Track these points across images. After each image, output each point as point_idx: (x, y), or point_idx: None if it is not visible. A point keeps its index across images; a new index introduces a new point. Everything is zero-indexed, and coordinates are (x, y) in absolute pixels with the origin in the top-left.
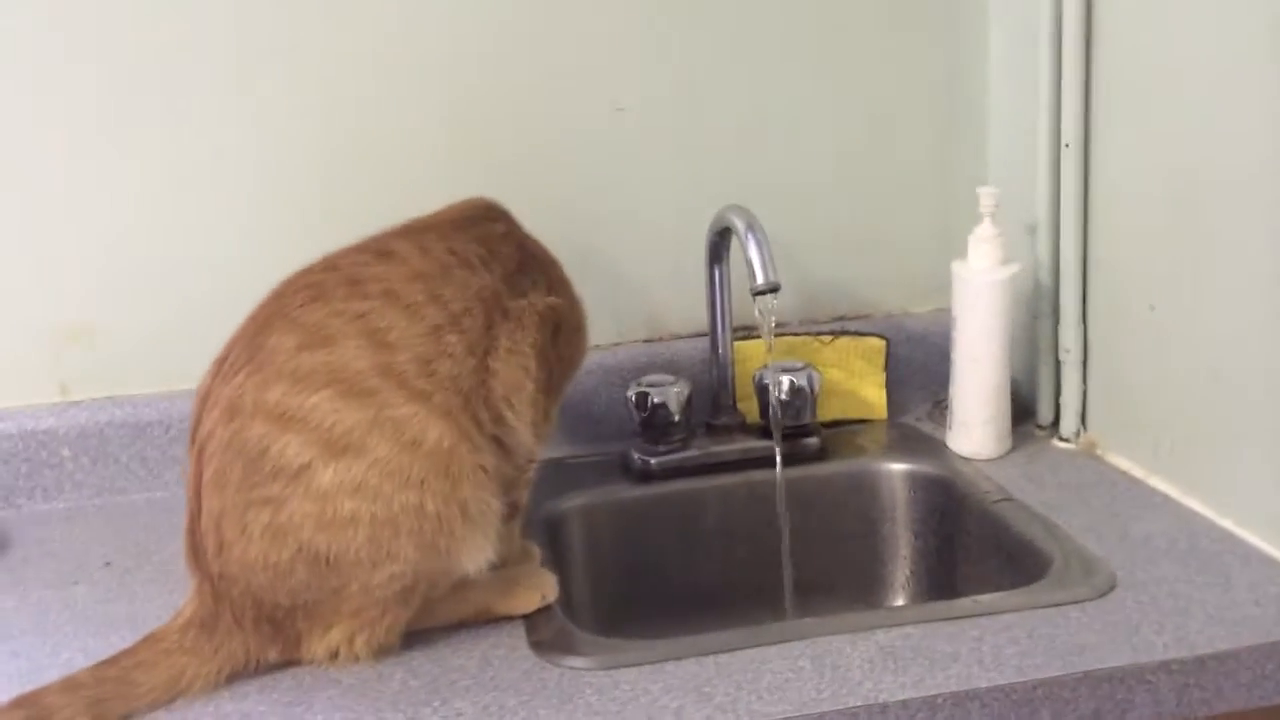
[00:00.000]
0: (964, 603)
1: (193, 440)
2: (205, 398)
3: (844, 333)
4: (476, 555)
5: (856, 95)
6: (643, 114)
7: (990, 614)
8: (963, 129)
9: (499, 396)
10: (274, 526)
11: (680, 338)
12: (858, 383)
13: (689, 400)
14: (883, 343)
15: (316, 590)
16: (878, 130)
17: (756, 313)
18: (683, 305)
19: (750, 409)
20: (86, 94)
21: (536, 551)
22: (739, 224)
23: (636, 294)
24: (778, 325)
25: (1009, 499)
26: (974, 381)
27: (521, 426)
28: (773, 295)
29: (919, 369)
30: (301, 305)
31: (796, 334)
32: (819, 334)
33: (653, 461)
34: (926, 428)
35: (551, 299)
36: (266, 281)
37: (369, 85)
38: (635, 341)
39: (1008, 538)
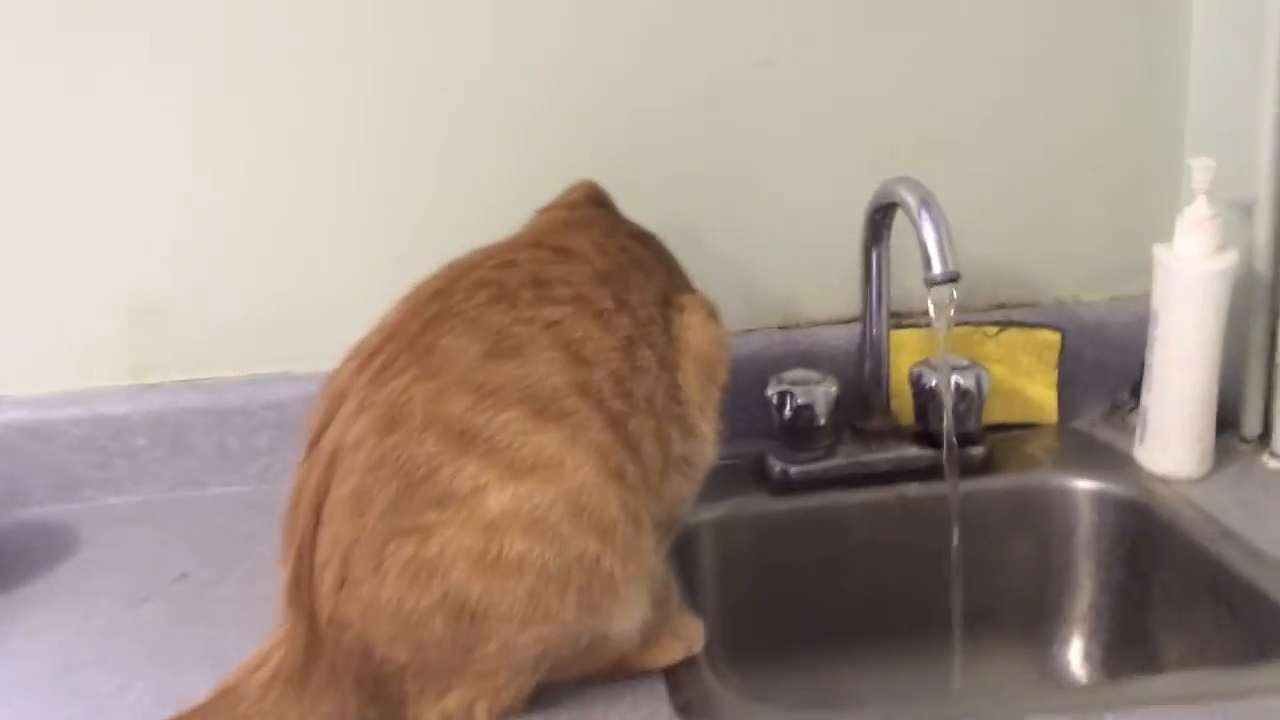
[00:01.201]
0: (1178, 680)
1: (314, 443)
2: (342, 395)
3: (1011, 323)
4: (634, 614)
5: (1027, 44)
6: (786, 68)
7: (1223, 697)
8: (1156, 87)
9: (694, 405)
10: (418, 562)
11: (819, 325)
12: (1025, 381)
13: (837, 401)
14: (1057, 336)
15: (448, 648)
16: (1050, 89)
17: (930, 306)
18: (823, 288)
19: (902, 409)
20: (175, 62)
21: (674, 586)
22: (910, 200)
23: (771, 275)
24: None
25: (1228, 535)
26: (1179, 388)
27: (710, 434)
28: (951, 285)
29: (1091, 366)
30: (481, 305)
31: (958, 324)
32: (982, 324)
33: (792, 470)
34: (1103, 435)
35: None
36: (359, 259)
37: (472, 49)
38: (768, 328)
39: (1232, 587)
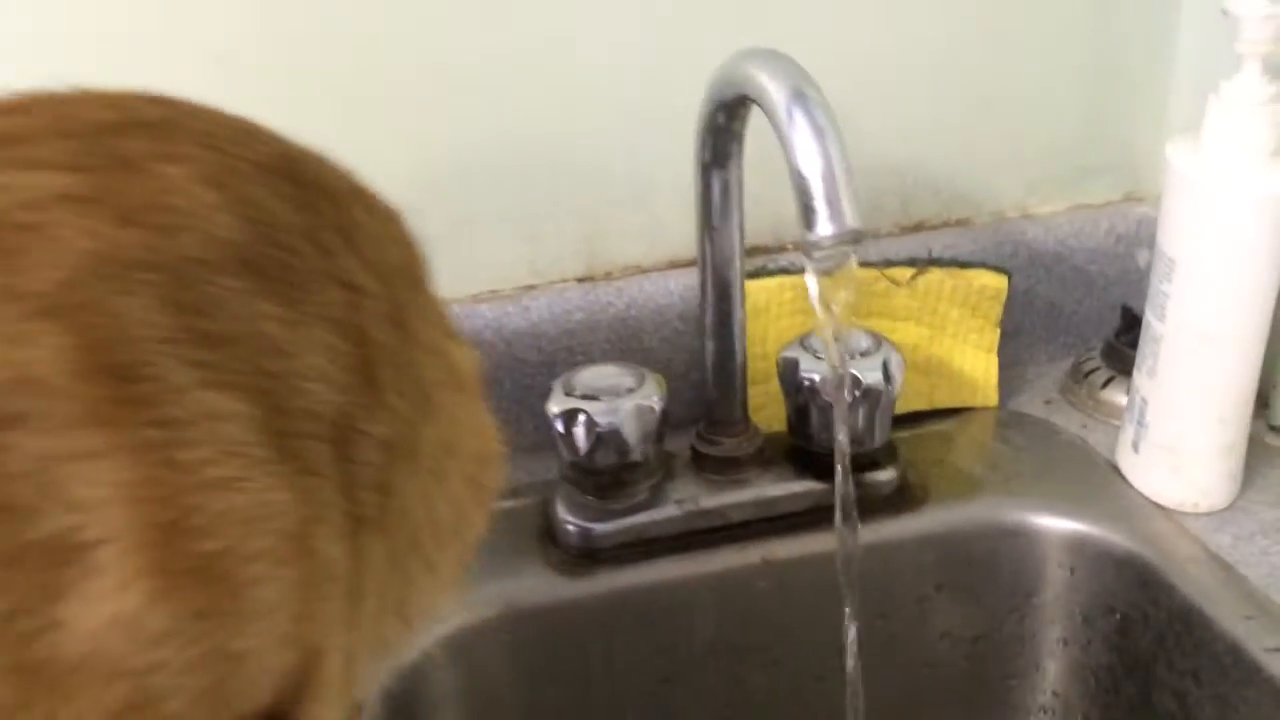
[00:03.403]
0: None
1: None
2: None
3: (933, 263)
4: None
5: None
6: None
7: None
8: None
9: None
10: None
11: (644, 271)
12: (952, 347)
13: (664, 417)
14: (1003, 281)
15: None
16: None
17: (811, 279)
18: (645, 215)
19: (767, 405)
20: None
21: None
22: (776, 92)
23: (563, 198)
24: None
25: (1267, 611)
26: (1201, 378)
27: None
28: (852, 246)
29: (1042, 310)
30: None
31: (859, 265)
32: (889, 266)
33: (596, 530)
34: (1067, 422)
35: None
36: None
37: None
38: (562, 281)
39: (1265, 691)
